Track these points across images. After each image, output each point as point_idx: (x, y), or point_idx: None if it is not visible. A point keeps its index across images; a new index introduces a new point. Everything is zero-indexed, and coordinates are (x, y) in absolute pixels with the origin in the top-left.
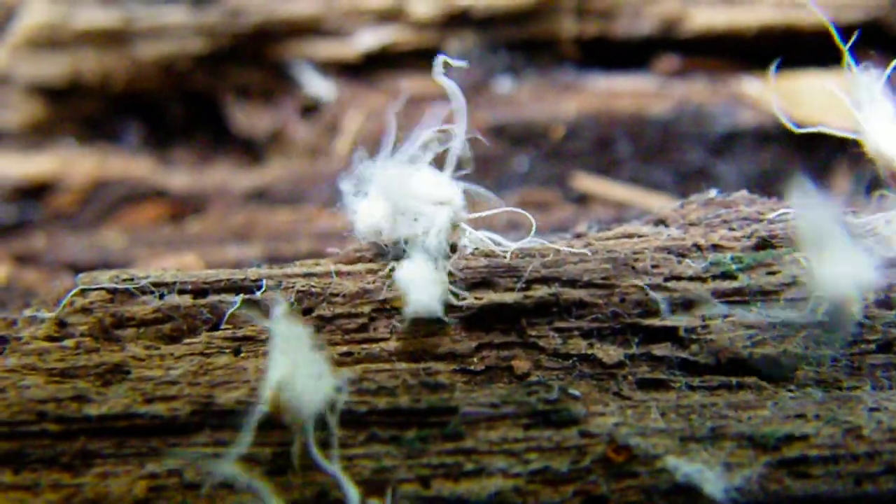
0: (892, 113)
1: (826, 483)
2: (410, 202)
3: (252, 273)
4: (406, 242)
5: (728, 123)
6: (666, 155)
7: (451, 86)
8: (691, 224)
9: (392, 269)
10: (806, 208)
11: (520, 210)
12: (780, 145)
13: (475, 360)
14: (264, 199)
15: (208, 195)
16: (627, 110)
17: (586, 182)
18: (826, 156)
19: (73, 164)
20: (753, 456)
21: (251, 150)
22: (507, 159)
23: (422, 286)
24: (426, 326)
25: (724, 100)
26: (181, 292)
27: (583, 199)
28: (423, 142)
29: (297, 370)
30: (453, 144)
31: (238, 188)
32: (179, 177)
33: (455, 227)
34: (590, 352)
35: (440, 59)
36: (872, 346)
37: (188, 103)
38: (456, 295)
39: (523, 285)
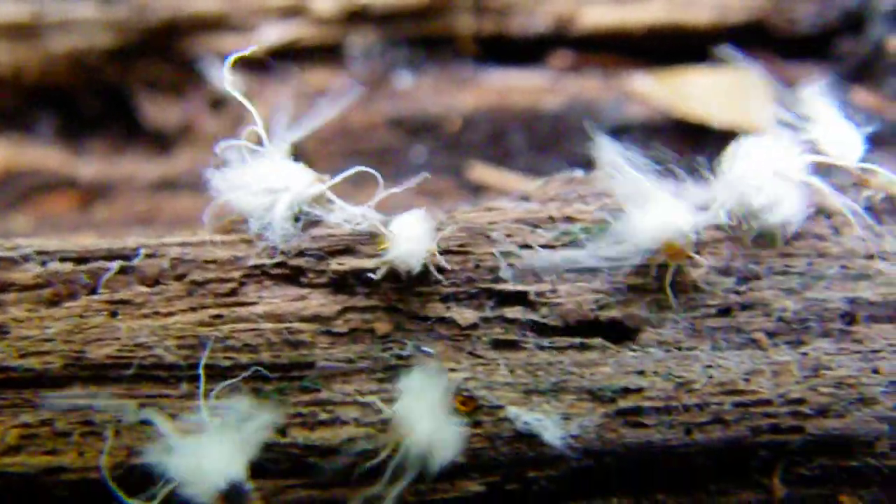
0: (839, 121)
1: (658, 432)
2: (251, 195)
3: (131, 241)
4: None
5: (617, 117)
6: (558, 146)
7: None
8: (550, 199)
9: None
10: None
11: (370, 169)
12: (667, 138)
13: (340, 322)
14: (171, 188)
15: (117, 185)
16: (522, 104)
17: (481, 172)
18: (712, 148)
19: None
20: (591, 407)
21: (162, 142)
22: (405, 150)
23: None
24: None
25: (615, 95)
26: (63, 260)
27: (478, 189)
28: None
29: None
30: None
31: (146, 178)
32: (90, 167)
33: (315, 200)
34: (446, 314)
35: None
36: (713, 311)
37: (101, 96)
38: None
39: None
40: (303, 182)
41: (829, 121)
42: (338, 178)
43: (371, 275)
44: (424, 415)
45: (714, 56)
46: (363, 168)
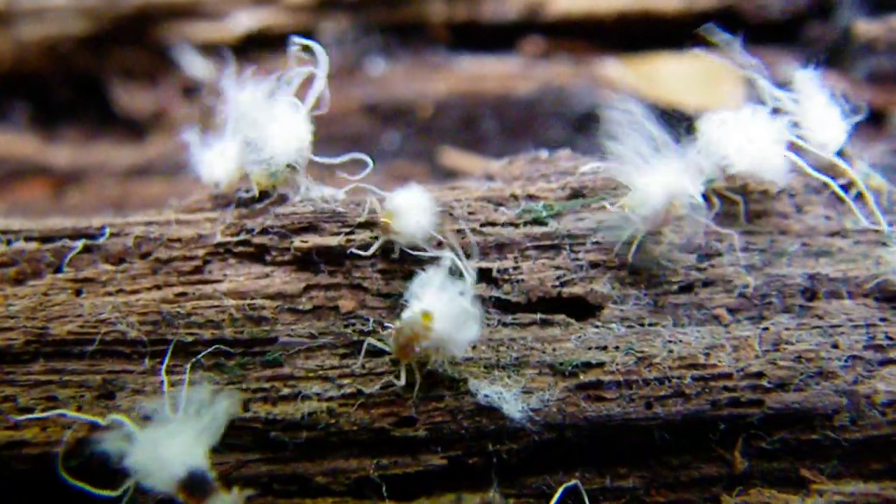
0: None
1: (619, 406)
2: (264, 127)
3: (96, 221)
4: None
5: (588, 103)
6: (530, 132)
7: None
8: (514, 178)
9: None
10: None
11: (360, 155)
12: None
13: (304, 300)
14: (144, 174)
15: (89, 172)
16: (494, 91)
17: (453, 157)
18: (680, 131)
19: None
20: (553, 382)
21: (135, 130)
22: (378, 136)
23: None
24: None
25: (586, 81)
26: (28, 239)
27: (450, 174)
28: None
29: None
30: (315, 85)
31: (119, 165)
32: (62, 154)
33: (294, 168)
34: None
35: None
36: (675, 287)
37: (75, 84)
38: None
39: (347, 230)
40: (306, 135)
41: (815, 106)
42: (339, 160)
43: (359, 251)
44: (443, 301)
45: (684, 42)
46: (357, 155)
